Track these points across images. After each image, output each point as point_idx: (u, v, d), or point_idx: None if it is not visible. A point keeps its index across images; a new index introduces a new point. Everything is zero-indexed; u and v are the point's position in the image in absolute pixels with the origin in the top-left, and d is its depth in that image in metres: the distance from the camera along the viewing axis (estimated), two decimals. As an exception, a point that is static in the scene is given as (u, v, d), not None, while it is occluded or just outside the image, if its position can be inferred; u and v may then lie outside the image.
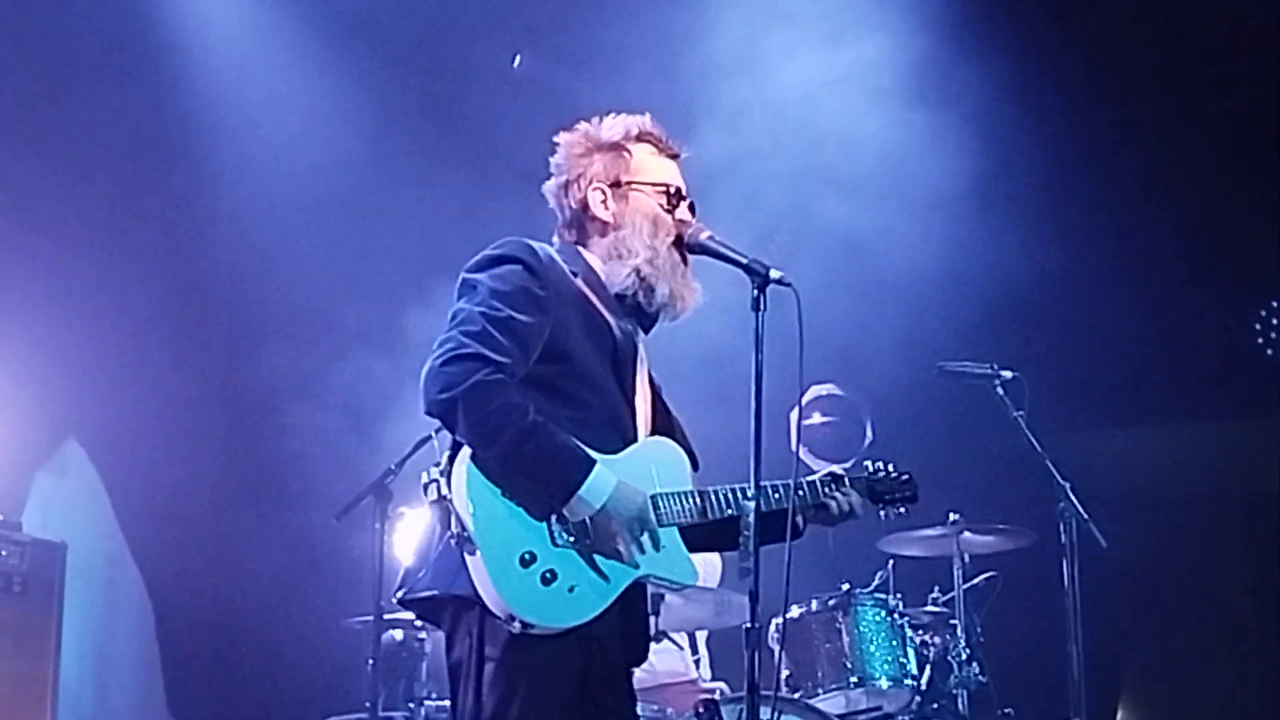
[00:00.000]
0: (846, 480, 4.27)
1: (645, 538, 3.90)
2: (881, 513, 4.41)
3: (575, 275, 4.07)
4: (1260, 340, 8.71)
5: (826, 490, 4.22)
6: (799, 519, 4.16)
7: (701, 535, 4.06)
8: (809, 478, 4.23)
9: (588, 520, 3.83)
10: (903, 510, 4.42)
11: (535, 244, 4.05)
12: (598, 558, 3.87)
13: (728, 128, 7.88)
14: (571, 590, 3.82)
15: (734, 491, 4.02)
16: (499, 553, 3.78)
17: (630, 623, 4.03)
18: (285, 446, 8.17)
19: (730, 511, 4.00)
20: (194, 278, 8.59)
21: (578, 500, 3.81)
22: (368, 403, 7.79)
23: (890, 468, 4.42)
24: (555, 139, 4.24)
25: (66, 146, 8.12)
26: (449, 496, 3.83)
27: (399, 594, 4.03)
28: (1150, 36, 8.37)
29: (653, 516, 3.92)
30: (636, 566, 3.90)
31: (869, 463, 4.40)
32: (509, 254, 3.99)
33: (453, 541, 3.83)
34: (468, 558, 3.79)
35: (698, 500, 4.03)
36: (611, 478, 3.85)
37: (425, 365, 3.86)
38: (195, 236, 8.55)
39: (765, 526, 3.92)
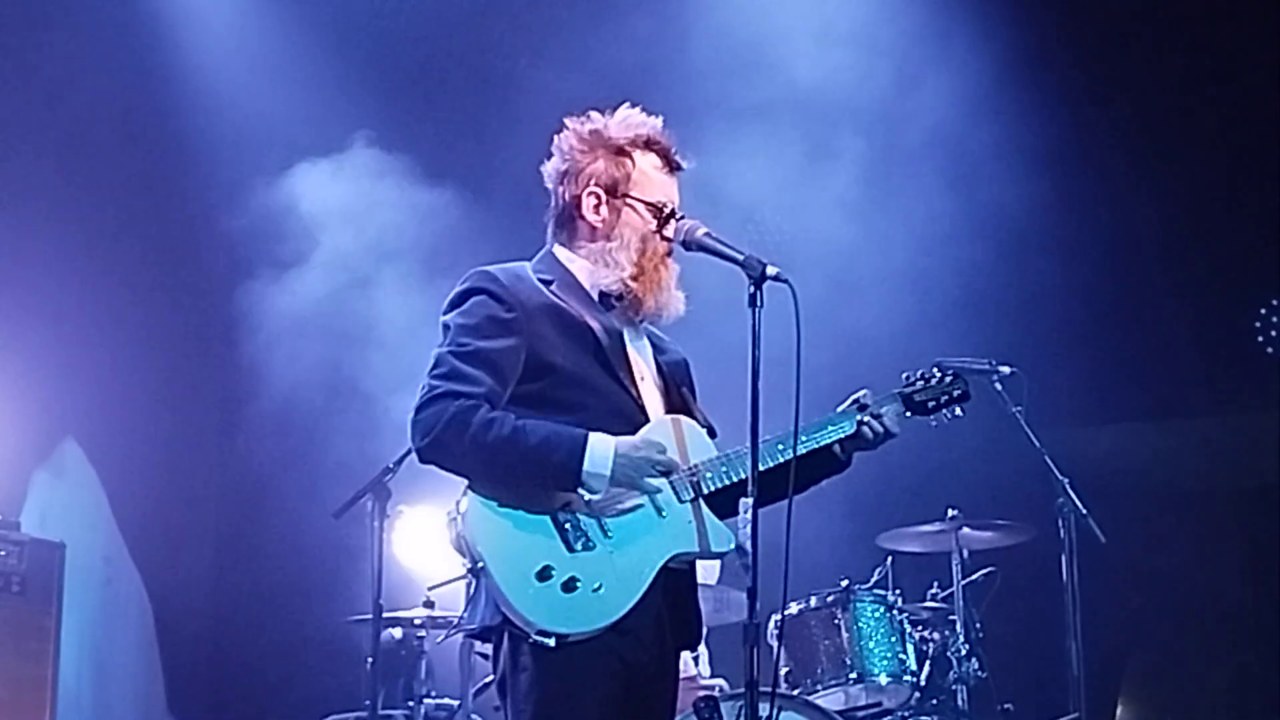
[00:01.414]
0: (877, 402, 4.23)
1: (673, 476, 3.94)
2: (932, 421, 4.36)
3: (550, 284, 4.08)
4: (1260, 339, 8.71)
5: (860, 420, 4.19)
6: (837, 449, 4.19)
7: (735, 497, 4.00)
8: (837, 409, 4.21)
9: (608, 490, 3.85)
10: (958, 412, 4.36)
11: (500, 268, 4.07)
12: (620, 553, 3.88)
13: (725, 125, 7.89)
14: (597, 590, 3.83)
15: (732, 461, 4.02)
16: (514, 575, 3.80)
17: (675, 607, 4.03)
18: (283, 446, 8.16)
19: (728, 482, 4.00)
20: (192, 279, 8.59)
21: (588, 477, 3.84)
22: (368, 401, 7.78)
23: (932, 371, 4.38)
24: (564, 119, 4.23)
25: (63, 149, 8.12)
26: (462, 531, 3.85)
27: (463, 629, 4.11)
28: (1147, 32, 8.36)
29: (662, 454, 3.94)
30: (664, 514, 3.92)
31: (906, 374, 4.36)
32: (471, 287, 4.03)
33: (471, 575, 3.88)
34: (489, 585, 3.82)
35: (693, 475, 4.02)
36: (609, 441, 3.87)
37: (408, 418, 3.92)
38: (193, 238, 8.54)
39: (779, 478, 3.94)
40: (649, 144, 4.18)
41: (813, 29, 8.26)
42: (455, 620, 6.62)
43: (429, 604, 6.93)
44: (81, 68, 8.12)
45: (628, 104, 4.23)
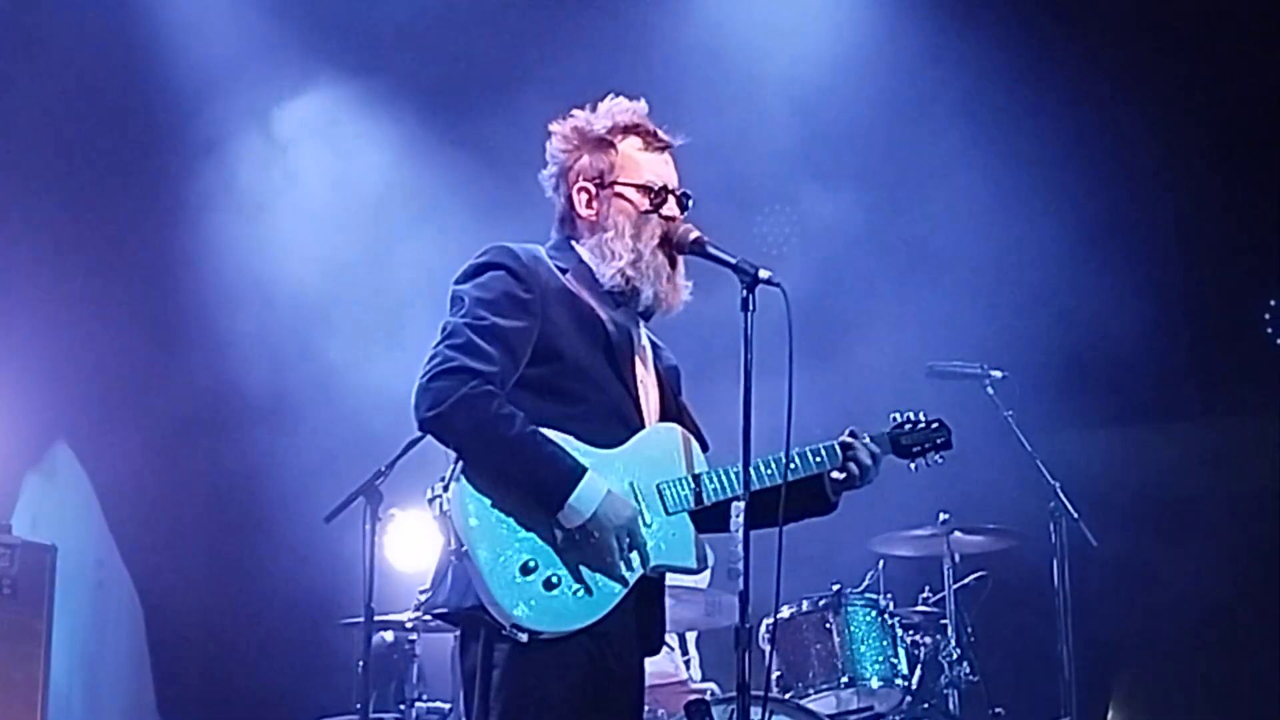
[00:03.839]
0: (866, 439, 4.22)
1: (633, 554, 3.90)
2: (912, 465, 4.37)
3: (565, 272, 4.07)
4: (1270, 330, 8.71)
5: (847, 452, 4.18)
6: (827, 488, 4.19)
7: (721, 514, 4.00)
8: (825, 444, 4.19)
9: (581, 527, 3.83)
10: (938, 459, 4.37)
11: (519, 246, 4.06)
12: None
13: (722, 119, 7.91)
14: (577, 592, 3.83)
15: (729, 474, 4.02)
16: (498, 565, 3.78)
17: (645, 614, 4.03)
18: (276, 447, 8.15)
19: (724, 497, 3.99)
20: (184, 281, 8.56)
21: (569, 509, 3.81)
22: (361, 403, 7.78)
23: (918, 416, 4.38)
24: (550, 127, 4.23)
25: (57, 153, 8.10)
26: (449, 511, 3.83)
27: (422, 608, 4.05)
28: (1153, 27, 8.36)
29: (641, 529, 3.91)
30: (625, 582, 3.89)
31: (895, 414, 4.37)
32: (491, 261, 4.00)
33: (453, 557, 3.84)
34: (470, 571, 3.79)
35: (695, 486, 4.02)
36: (602, 485, 3.85)
37: (415, 382, 3.87)
38: (186, 241, 8.52)
39: (768, 503, 3.93)
40: (629, 129, 4.17)
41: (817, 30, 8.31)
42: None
43: (419, 607, 6.91)
44: (77, 73, 8.10)
45: (611, 95, 4.23)
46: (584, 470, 3.83)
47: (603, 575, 3.87)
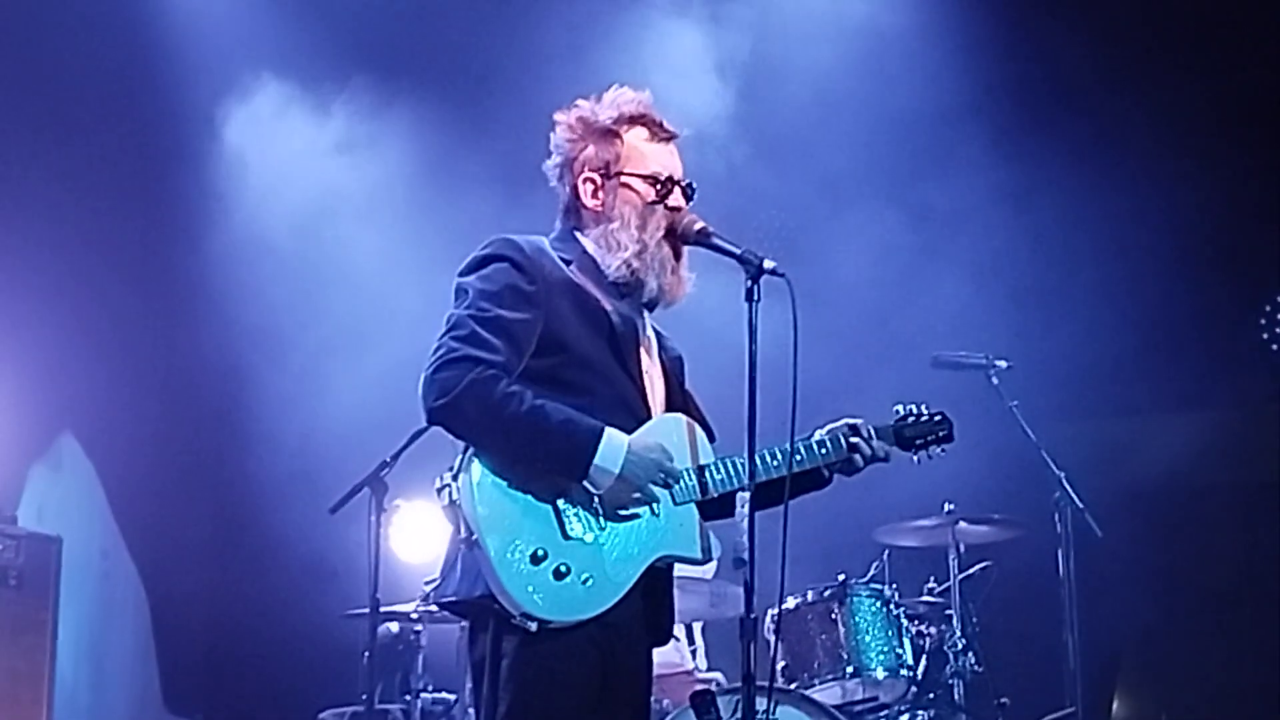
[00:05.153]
0: (870, 429, 4.24)
1: (673, 482, 3.94)
2: (914, 457, 4.39)
3: (569, 263, 4.07)
4: (1265, 336, 8.71)
5: (851, 442, 4.20)
6: (825, 471, 4.20)
7: (726, 501, 4.02)
8: (828, 428, 4.21)
9: (609, 487, 3.84)
10: (940, 451, 4.39)
11: (522, 238, 4.06)
12: (611, 547, 3.88)
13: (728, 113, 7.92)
14: (586, 582, 3.83)
15: (735, 465, 4.02)
16: (508, 554, 3.79)
17: (653, 605, 4.04)
18: (281, 439, 8.16)
19: (730, 488, 4.01)
20: (189, 271, 8.57)
21: (596, 470, 3.83)
22: (364, 395, 7.78)
23: (921, 409, 4.39)
24: (554, 116, 4.23)
25: (61, 146, 8.10)
26: (458, 500, 3.83)
27: (431, 598, 4.06)
28: (1157, 24, 8.35)
29: (670, 462, 3.94)
30: (658, 513, 3.92)
31: (899, 406, 4.38)
32: (494, 253, 4.01)
33: (462, 546, 3.85)
34: (480, 560, 3.79)
35: (700, 477, 4.03)
36: (623, 438, 3.87)
37: (421, 376, 3.88)
38: (189, 230, 8.53)
39: (771, 488, 3.97)
40: (634, 119, 4.17)
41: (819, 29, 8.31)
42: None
43: (426, 598, 6.92)
44: (78, 71, 8.10)
45: (615, 85, 4.23)
46: (602, 429, 3.84)
47: (625, 553, 3.88)
